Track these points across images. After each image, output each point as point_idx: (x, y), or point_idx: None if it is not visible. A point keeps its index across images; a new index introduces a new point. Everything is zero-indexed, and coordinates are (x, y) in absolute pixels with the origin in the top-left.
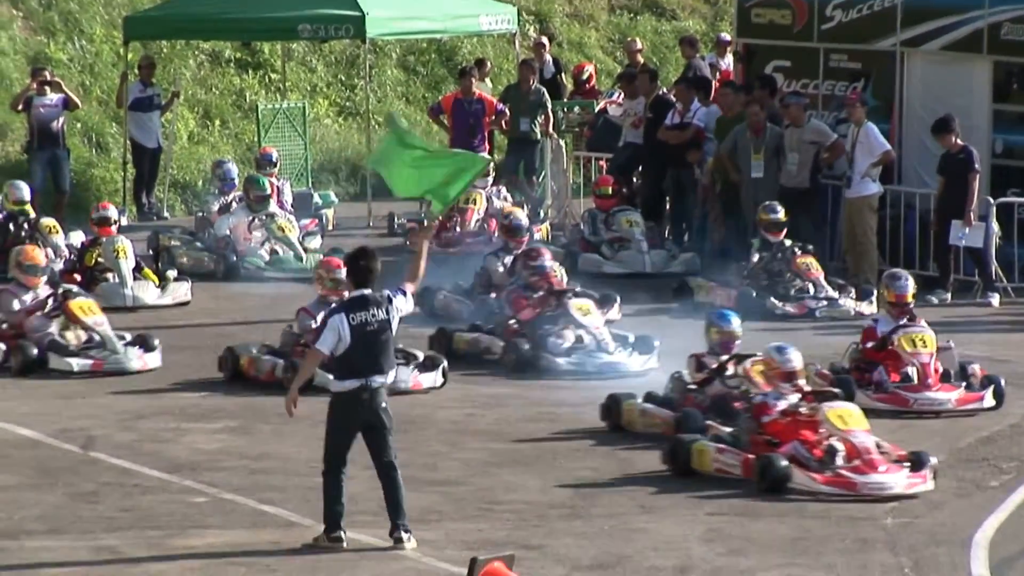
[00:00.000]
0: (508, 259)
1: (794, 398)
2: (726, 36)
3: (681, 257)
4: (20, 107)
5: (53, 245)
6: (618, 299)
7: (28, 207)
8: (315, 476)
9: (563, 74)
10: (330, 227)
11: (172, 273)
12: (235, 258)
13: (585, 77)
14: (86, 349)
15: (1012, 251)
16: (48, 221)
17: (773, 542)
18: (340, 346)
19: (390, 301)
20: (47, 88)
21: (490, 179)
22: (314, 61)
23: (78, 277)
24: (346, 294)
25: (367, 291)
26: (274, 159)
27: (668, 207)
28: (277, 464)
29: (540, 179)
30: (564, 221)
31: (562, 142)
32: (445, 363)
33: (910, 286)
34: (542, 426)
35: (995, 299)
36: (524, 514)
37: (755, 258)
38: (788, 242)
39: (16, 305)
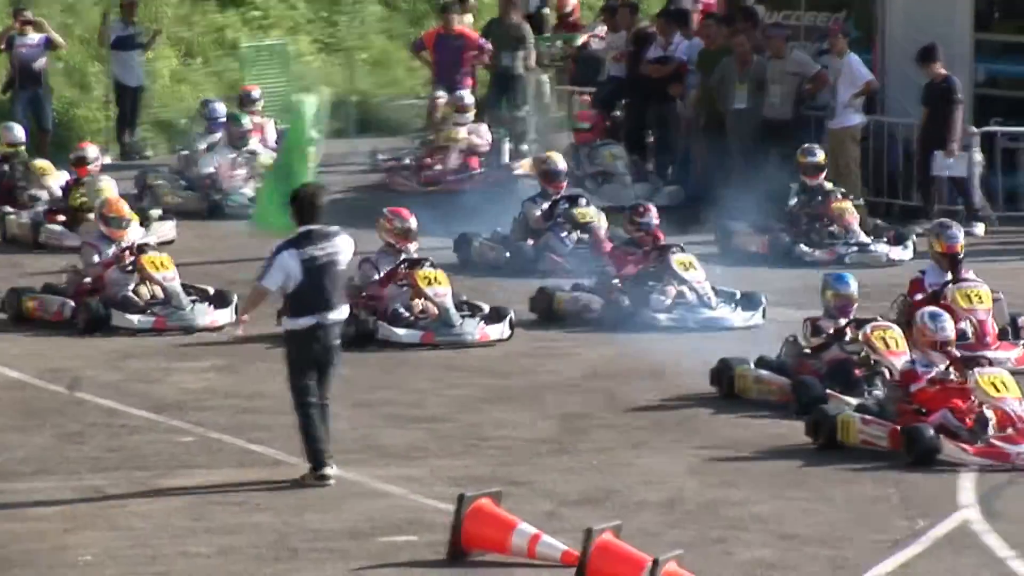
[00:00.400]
0: (546, 204)
1: (942, 366)
2: None
3: (665, 190)
4: (2, 47)
5: (47, 186)
6: None
7: (22, 149)
8: None
9: (547, 8)
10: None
11: (156, 212)
12: (219, 196)
13: (568, 10)
14: (153, 305)
15: (995, 180)
16: (42, 163)
17: (762, 475)
18: (290, 282)
19: (337, 235)
20: (29, 28)
21: (470, 115)
22: None
23: (62, 217)
24: (411, 246)
25: (313, 226)
26: (256, 97)
27: (651, 140)
28: (264, 403)
29: (523, 113)
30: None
31: (544, 76)
32: (512, 313)
33: (960, 236)
34: (537, 361)
35: (979, 228)
36: (511, 450)
37: (793, 201)
38: (828, 185)
39: (96, 258)
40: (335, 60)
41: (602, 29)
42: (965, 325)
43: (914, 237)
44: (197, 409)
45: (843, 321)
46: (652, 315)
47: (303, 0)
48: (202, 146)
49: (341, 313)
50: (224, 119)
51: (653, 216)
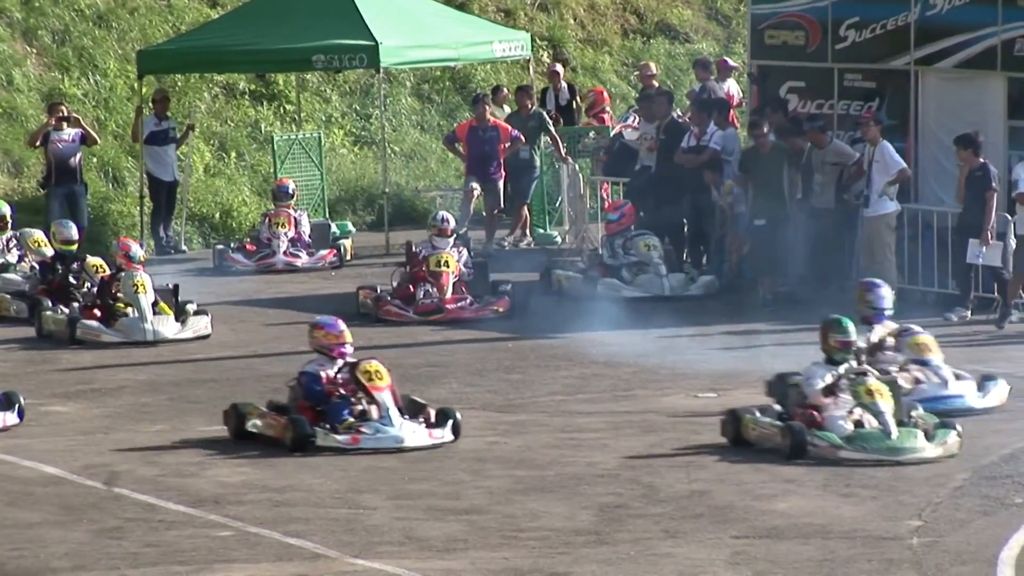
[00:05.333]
0: None
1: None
2: (730, 61)
3: (700, 280)
4: (38, 143)
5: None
6: None
7: (75, 247)
8: (340, 508)
9: (578, 99)
10: (348, 257)
11: (192, 306)
12: None
13: (589, 104)
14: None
15: None
16: (95, 260)
17: (799, 564)
18: None
19: None
20: (64, 123)
21: (451, 240)
22: (328, 91)
23: (98, 312)
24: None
25: None
26: (291, 190)
27: (686, 230)
28: (301, 496)
29: (531, 204)
30: (582, 246)
31: (577, 167)
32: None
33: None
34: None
35: (1015, 315)
36: (549, 540)
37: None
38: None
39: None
40: (368, 153)
41: (635, 119)
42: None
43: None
44: (234, 503)
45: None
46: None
47: (336, 93)
48: None
49: None
50: None
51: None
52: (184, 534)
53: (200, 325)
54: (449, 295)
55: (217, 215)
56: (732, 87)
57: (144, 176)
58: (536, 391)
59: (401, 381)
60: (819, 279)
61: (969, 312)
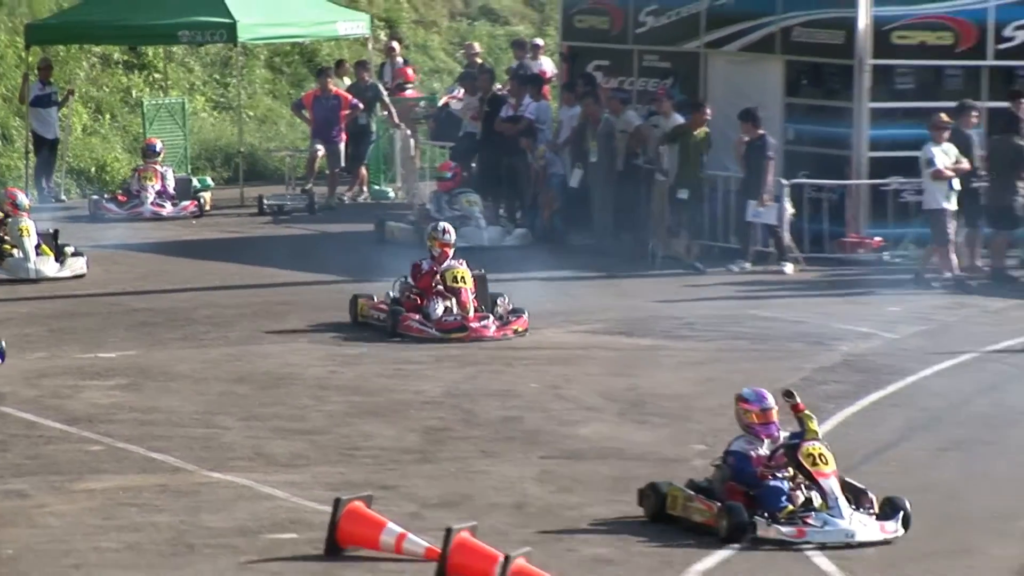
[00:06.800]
0: None
1: (766, 446)
2: (539, 41)
3: (515, 232)
4: None
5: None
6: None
7: None
8: (198, 428)
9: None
10: (207, 208)
11: (70, 249)
12: None
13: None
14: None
15: (803, 225)
16: None
17: (597, 481)
18: None
19: None
20: None
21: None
22: (192, 62)
23: None
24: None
25: None
26: (158, 149)
27: (503, 189)
28: (163, 416)
29: (368, 164)
30: (412, 201)
31: (409, 132)
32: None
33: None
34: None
35: (789, 267)
36: (381, 459)
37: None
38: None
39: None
40: (226, 117)
41: (460, 91)
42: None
43: None
44: (105, 421)
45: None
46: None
47: (198, 64)
48: None
49: None
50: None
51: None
52: (61, 448)
53: (77, 265)
54: (472, 313)
55: (93, 169)
56: (546, 64)
57: (29, 134)
58: (370, 328)
59: (252, 317)
60: (619, 233)
61: (749, 263)
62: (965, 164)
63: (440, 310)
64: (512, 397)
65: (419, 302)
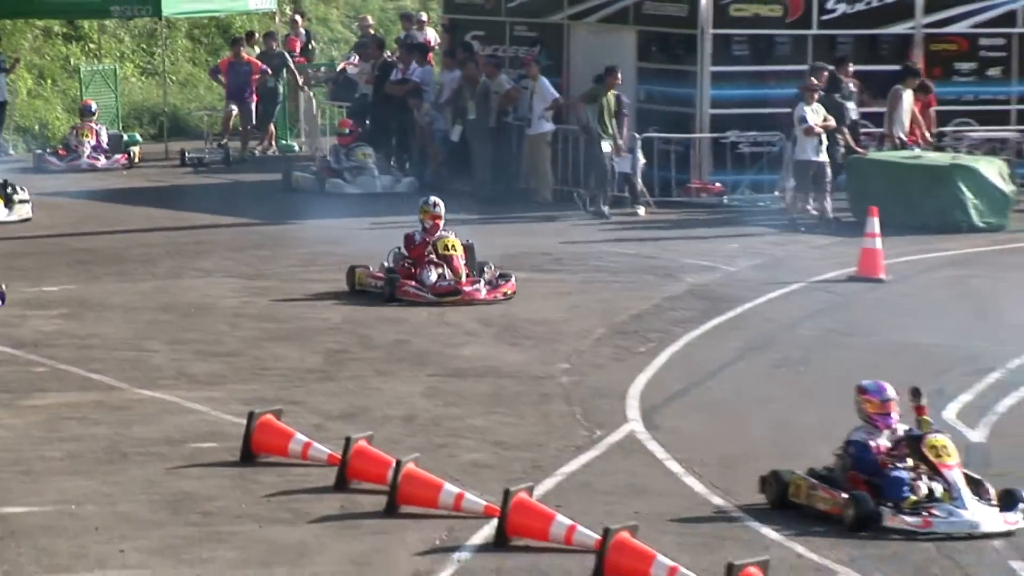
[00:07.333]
0: None
1: (886, 436)
2: (424, 15)
3: (404, 181)
4: None
5: None
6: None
7: None
8: (130, 351)
9: (314, 42)
10: (136, 160)
11: (17, 196)
12: None
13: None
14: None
15: (653, 173)
16: None
17: (476, 396)
18: None
19: None
20: None
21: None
22: (123, 34)
23: None
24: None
25: None
26: (93, 109)
27: (393, 143)
28: (100, 341)
29: (276, 121)
30: (315, 154)
31: (312, 94)
32: None
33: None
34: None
35: (641, 210)
36: (289, 377)
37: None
38: None
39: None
40: (152, 81)
41: (355, 58)
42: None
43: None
44: (49, 346)
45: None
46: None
47: (128, 35)
48: None
49: None
50: None
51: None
52: (10, 370)
53: (24, 211)
54: (464, 278)
55: (36, 127)
56: (430, 34)
57: None
58: (279, 264)
59: (176, 255)
60: (494, 181)
61: (607, 208)
62: (832, 122)
63: (434, 276)
64: (403, 323)
65: (412, 271)
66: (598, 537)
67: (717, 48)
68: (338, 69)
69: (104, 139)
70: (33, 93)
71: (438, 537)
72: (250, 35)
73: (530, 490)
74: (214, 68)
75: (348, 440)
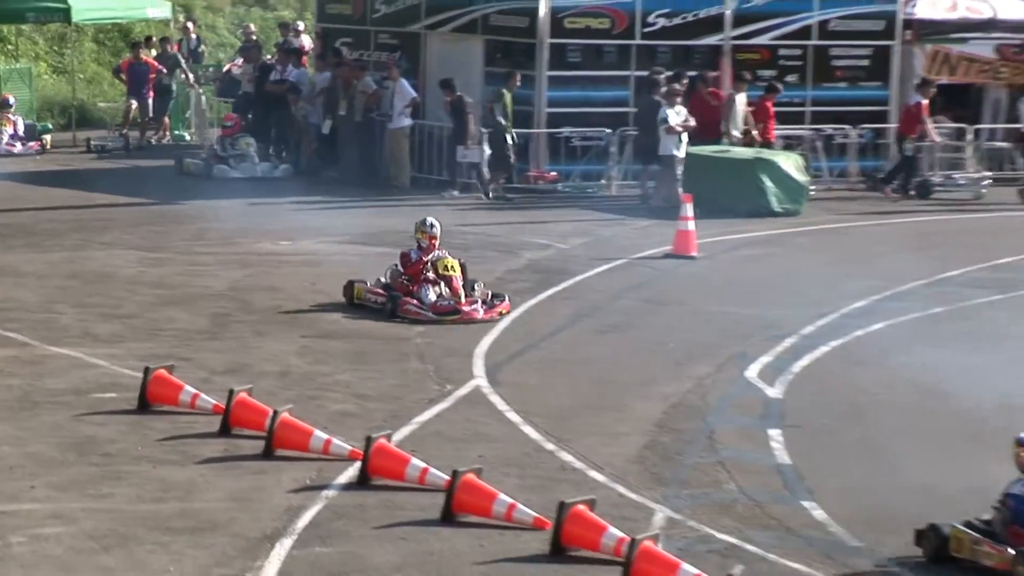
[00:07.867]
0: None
1: None
2: (300, 23)
3: (281, 168)
4: None
5: None
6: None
7: None
8: (41, 313)
9: (203, 46)
10: (48, 147)
11: None
12: None
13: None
14: None
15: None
16: None
17: (342, 354)
18: None
19: None
20: None
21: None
22: (37, 37)
23: None
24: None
25: None
26: (11, 102)
27: (272, 134)
28: (16, 304)
29: (170, 114)
30: (204, 143)
31: (201, 91)
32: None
33: None
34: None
35: (488, 195)
36: (179, 337)
37: None
38: None
39: None
40: (62, 78)
41: (240, 61)
42: None
43: None
44: None
45: None
46: None
47: (42, 38)
48: None
49: None
50: None
51: None
52: None
53: None
54: (464, 299)
55: None
56: (304, 40)
57: None
58: (171, 238)
59: (82, 230)
60: (360, 169)
61: (457, 192)
62: (692, 122)
63: (432, 296)
64: (278, 291)
65: (410, 288)
66: (447, 478)
67: (553, 55)
68: (224, 70)
69: (20, 128)
70: None
71: (309, 477)
72: (148, 39)
73: (389, 437)
74: (116, 67)
75: (231, 392)
